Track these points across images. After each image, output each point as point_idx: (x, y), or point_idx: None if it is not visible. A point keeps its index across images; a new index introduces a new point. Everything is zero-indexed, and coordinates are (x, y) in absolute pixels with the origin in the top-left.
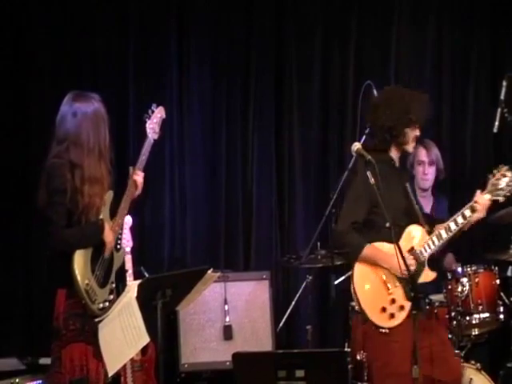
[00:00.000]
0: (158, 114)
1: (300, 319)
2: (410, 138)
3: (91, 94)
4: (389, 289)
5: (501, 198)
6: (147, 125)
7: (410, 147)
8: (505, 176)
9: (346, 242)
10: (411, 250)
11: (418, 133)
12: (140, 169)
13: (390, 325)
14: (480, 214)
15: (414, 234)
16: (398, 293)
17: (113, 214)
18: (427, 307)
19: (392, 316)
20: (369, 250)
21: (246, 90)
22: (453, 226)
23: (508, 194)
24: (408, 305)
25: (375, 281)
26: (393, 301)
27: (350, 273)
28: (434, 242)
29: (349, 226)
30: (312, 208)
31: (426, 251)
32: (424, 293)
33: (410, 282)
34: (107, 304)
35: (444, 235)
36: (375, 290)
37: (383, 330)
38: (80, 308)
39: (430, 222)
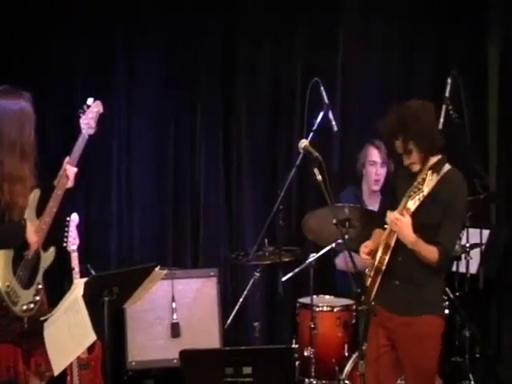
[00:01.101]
0: (94, 108)
1: (248, 316)
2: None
3: (21, 92)
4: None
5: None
6: (81, 120)
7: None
8: None
9: None
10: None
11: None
12: (73, 164)
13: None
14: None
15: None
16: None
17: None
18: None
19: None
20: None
21: (194, 88)
22: None
23: None
24: (368, 282)
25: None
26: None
27: (297, 269)
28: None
29: None
30: (260, 205)
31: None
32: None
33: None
34: (32, 306)
35: None
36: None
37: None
38: (3, 309)
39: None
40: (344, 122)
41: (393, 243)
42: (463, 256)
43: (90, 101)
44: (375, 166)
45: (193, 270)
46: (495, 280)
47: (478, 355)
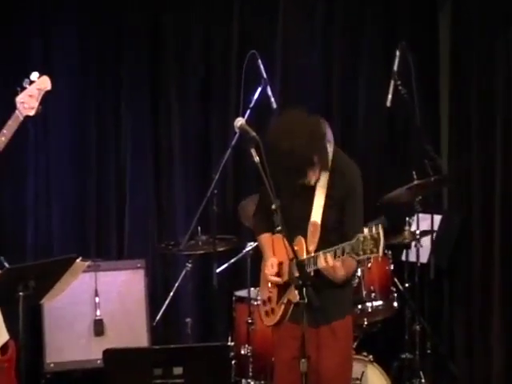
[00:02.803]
0: (37, 85)
1: (179, 311)
2: None
3: None
4: (269, 285)
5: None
6: (18, 98)
7: None
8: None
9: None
10: (292, 260)
11: None
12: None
13: (265, 322)
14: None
15: (297, 245)
16: (274, 294)
17: None
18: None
19: (266, 314)
20: (262, 238)
21: (117, 65)
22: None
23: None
24: (278, 313)
25: None
26: (269, 299)
27: (233, 260)
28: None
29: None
30: (192, 189)
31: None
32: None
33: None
34: None
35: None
36: (264, 278)
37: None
38: None
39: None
40: (284, 98)
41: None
42: (413, 244)
43: (33, 75)
44: None
45: (118, 261)
46: (447, 270)
47: (429, 351)
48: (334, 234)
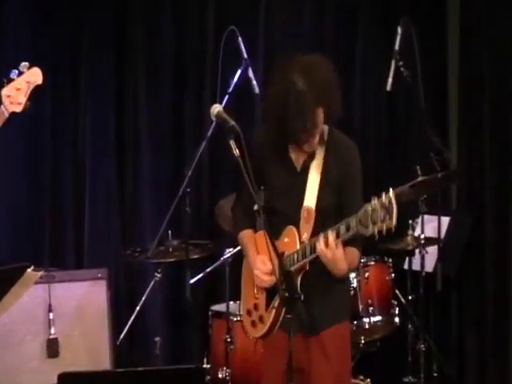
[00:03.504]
0: (26, 78)
1: (146, 329)
2: None
3: None
4: (256, 291)
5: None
6: (3, 91)
7: None
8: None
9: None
10: (283, 254)
11: None
12: None
13: (252, 334)
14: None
15: (288, 236)
16: (262, 299)
17: None
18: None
19: (253, 324)
20: (245, 236)
21: (77, 41)
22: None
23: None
24: (268, 320)
25: (250, 273)
26: (255, 307)
27: (209, 269)
28: (298, 258)
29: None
30: (162, 188)
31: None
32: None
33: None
34: None
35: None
36: (248, 283)
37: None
38: None
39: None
40: (268, 80)
41: (308, 267)
42: (417, 250)
43: (23, 66)
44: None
45: (76, 270)
46: (456, 280)
47: (435, 374)
48: (331, 220)
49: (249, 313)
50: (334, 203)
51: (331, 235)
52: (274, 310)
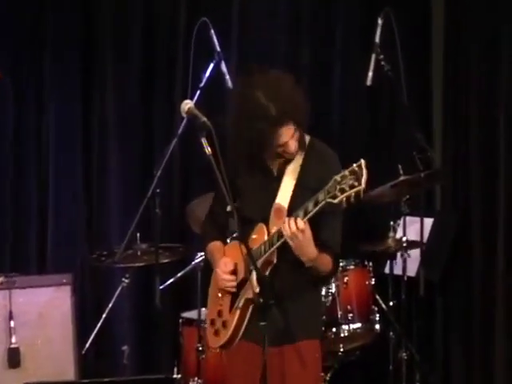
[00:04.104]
0: None
1: (114, 337)
2: None
3: None
4: (221, 298)
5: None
6: None
7: None
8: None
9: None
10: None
11: None
12: None
13: (214, 344)
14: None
15: (256, 232)
16: (226, 303)
17: None
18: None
19: (216, 333)
20: (214, 246)
21: (41, 36)
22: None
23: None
24: (232, 322)
25: (216, 283)
26: (219, 313)
27: (180, 274)
28: (265, 249)
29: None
30: (130, 188)
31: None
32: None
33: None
34: None
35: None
36: (214, 294)
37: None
38: None
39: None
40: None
41: (275, 260)
42: (399, 254)
43: None
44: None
45: (38, 276)
46: (440, 285)
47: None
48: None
49: (212, 322)
50: None
51: (299, 214)
52: (238, 311)
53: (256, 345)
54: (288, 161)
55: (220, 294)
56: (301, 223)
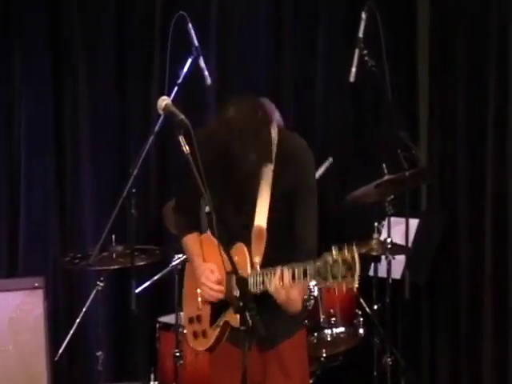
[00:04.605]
0: None
1: (88, 343)
2: None
3: None
4: (197, 298)
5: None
6: None
7: None
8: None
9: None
10: (230, 273)
11: None
12: None
13: (193, 345)
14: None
15: (237, 254)
16: (206, 312)
17: None
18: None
19: (195, 335)
20: (190, 239)
21: (10, 38)
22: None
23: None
24: (212, 337)
25: (194, 280)
26: (198, 318)
27: (156, 277)
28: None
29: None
30: (105, 188)
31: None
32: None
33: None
34: None
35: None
36: (191, 291)
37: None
38: None
39: None
40: (221, 72)
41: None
42: (383, 256)
43: None
44: None
45: (9, 279)
46: (426, 287)
47: None
48: (284, 234)
49: (191, 321)
50: (287, 217)
51: (287, 275)
52: (218, 329)
53: (238, 348)
54: None
55: (200, 300)
56: (288, 285)
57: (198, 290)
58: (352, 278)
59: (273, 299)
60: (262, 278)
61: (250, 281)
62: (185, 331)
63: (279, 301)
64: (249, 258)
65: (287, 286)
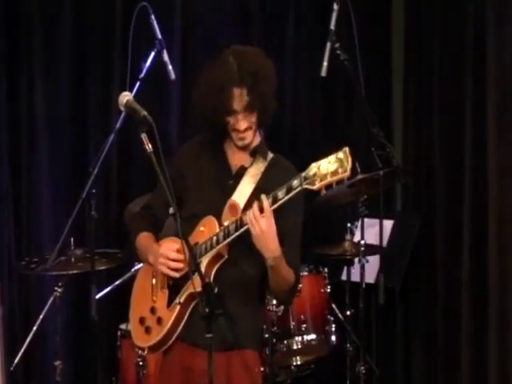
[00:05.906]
0: None
1: (45, 351)
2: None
3: None
4: (153, 294)
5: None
6: None
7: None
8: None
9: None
10: (195, 245)
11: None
12: None
13: (143, 343)
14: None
15: (205, 225)
16: (162, 299)
17: None
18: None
19: (147, 330)
20: (143, 238)
21: None
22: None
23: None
24: (169, 319)
25: (147, 279)
26: (152, 310)
27: (118, 282)
28: (218, 241)
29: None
30: (63, 189)
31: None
32: (222, 308)
33: (204, 292)
34: None
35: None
36: (143, 291)
37: (140, 352)
38: None
39: None
40: (186, 65)
41: (227, 254)
42: (356, 259)
43: None
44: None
45: None
46: (401, 292)
47: None
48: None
49: (141, 321)
50: None
51: (266, 201)
52: (177, 307)
53: (198, 348)
54: (249, 164)
55: (155, 290)
56: (268, 211)
57: (153, 281)
58: (344, 169)
59: (241, 298)
60: (236, 223)
61: (221, 234)
62: (132, 334)
63: (256, 234)
64: (217, 225)
65: (267, 214)
